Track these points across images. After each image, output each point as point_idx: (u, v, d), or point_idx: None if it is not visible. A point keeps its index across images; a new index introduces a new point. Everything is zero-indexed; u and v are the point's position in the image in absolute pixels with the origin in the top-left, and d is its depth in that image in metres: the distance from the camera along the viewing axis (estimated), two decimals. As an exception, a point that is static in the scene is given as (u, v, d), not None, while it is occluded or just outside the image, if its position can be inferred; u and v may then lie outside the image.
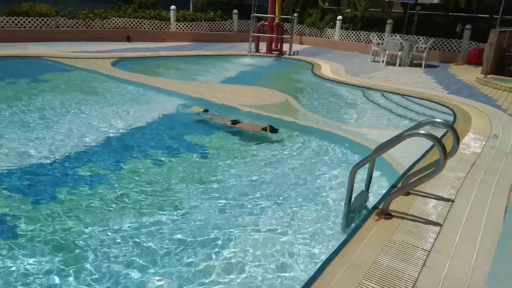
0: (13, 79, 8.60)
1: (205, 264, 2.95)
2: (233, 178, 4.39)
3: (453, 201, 3.50)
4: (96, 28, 15.58)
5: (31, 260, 2.89)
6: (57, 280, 2.72)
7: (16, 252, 2.97)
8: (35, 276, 2.74)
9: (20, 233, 3.21)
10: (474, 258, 2.66)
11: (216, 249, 3.13)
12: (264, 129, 5.79)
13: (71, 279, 2.73)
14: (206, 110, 6.65)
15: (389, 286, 2.34)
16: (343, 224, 3.51)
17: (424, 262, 2.59)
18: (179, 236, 3.27)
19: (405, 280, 2.40)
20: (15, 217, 3.42)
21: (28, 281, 2.69)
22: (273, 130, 5.81)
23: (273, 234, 3.35)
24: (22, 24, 13.94)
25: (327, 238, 3.33)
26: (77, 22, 15.10)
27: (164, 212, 3.62)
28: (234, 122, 6.09)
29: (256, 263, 2.97)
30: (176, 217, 3.54)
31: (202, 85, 9.32)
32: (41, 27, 14.33)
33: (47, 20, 14.42)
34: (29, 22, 14.06)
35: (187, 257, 3.02)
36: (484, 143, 5.28)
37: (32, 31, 14.06)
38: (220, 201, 3.87)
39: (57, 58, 10.88)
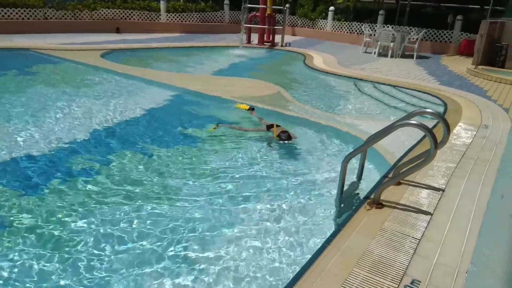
0: (0, 71, 8.44)
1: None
2: (225, 169, 4.38)
3: (443, 191, 3.53)
4: (84, 19, 15.36)
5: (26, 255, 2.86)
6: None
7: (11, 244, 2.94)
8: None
9: (10, 225, 3.17)
10: (463, 246, 2.69)
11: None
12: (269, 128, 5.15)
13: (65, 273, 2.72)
14: (252, 109, 6.11)
15: (381, 274, 2.36)
16: (335, 214, 3.52)
17: (415, 250, 2.61)
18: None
19: (396, 268, 2.43)
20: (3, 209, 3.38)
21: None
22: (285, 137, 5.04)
23: (266, 223, 3.36)
24: (9, 16, 13.68)
25: (320, 224, 3.35)
26: (65, 14, 14.86)
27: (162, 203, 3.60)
28: (270, 126, 5.39)
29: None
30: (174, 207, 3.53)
31: (193, 76, 9.25)
32: (28, 18, 14.07)
33: (35, 11, 14.17)
34: (17, 13, 13.79)
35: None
36: (475, 133, 5.33)
37: (20, 23, 13.81)
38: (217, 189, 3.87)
39: (46, 50, 10.70)
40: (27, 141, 4.88)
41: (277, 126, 5.31)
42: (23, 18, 13.95)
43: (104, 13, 15.78)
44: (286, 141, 5.05)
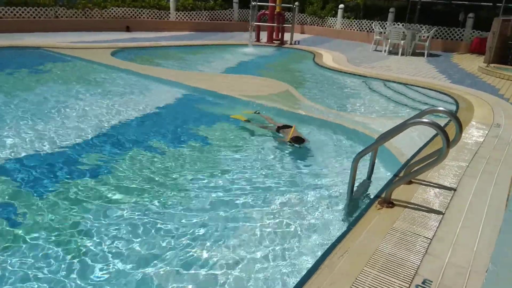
0: (12, 70, 8.57)
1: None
2: (235, 165, 4.39)
3: (455, 190, 3.49)
4: (95, 18, 15.49)
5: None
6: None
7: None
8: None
9: (21, 223, 3.22)
10: (475, 246, 2.66)
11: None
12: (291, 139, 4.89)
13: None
14: (257, 113, 5.99)
15: (392, 273, 2.34)
16: (346, 213, 3.51)
17: (426, 250, 2.59)
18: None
19: (407, 267, 2.41)
20: (12, 208, 3.42)
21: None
22: (296, 140, 4.89)
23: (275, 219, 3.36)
24: (20, 15, 13.85)
25: (330, 223, 3.34)
26: (75, 12, 15.00)
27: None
28: (283, 127, 5.28)
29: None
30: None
31: (202, 75, 9.28)
32: (39, 17, 14.24)
33: (46, 10, 14.33)
34: (28, 12, 13.96)
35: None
36: (487, 132, 5.26)
37: (31, 21, 13.98)
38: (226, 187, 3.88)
39: (57, 49, 10.83)
40: (37, 138, 4.93)
41: (287, 127, 5.20)
42: (34, 17, 14.12)
43: (114, 11, 15.90)
44: (298, 145, 4.86)
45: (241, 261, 2.87)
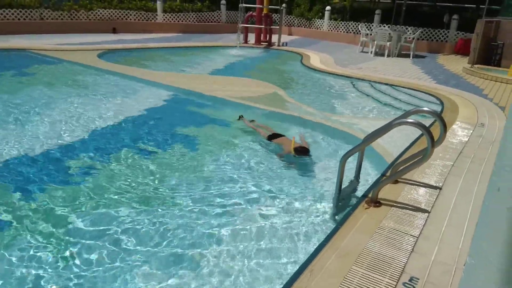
0: (-3, 72, 8.43)
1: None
2: (221, 168, 4.39)
3: (440, 189, 3.55)
4: (81, 19, 15.32)
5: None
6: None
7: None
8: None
9: (8, 227, 3.17)
10: (460, 244, 2.71)
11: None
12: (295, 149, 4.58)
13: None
14: (241, 117, 5.81)
15: (379, 272, 2.37)
16: (333, 212, 3.54)
17: (413, 248, 2.63)
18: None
19: (394, 265, 2.44)
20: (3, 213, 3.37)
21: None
22: (303, 151, 4.59)
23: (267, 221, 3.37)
24: (5, 16, 13.62)
25: (318, 223, 3.36)
26: (61, 14, 14.81)
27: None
28: (273, 136, 5.14)
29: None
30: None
31: (190, 76, 9.25)
32: (24, 19, 14.03)
33: (31, 11, 14.12)
34: (13, 14, 13.74)
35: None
36: (471, 132, 5.36)
37: (16, 23, 13.77)
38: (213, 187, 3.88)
39: (43, 51, 10.68)
40: (22, 141, 4.86)
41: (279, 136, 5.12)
42: (19, 19, 13.90)
43: (101, 13, 15.75)
44: (306, 157, 4.63)
45: (232, 262, 2.87)
